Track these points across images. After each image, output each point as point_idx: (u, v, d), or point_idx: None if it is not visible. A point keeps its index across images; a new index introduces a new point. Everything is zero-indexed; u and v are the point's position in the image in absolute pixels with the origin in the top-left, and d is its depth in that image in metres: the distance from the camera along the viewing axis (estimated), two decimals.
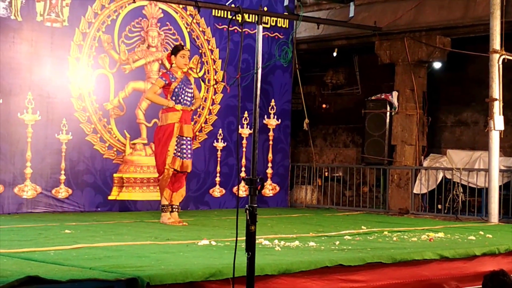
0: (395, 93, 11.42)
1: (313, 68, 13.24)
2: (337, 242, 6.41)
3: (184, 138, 7.91)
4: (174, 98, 7.88)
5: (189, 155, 7.97)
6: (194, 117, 10.32)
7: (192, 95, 8.09)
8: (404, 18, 11.20)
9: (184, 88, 7.95)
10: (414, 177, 11.03)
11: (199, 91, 10.34)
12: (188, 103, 8.00)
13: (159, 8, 9.94)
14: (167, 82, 7.89)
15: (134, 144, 9.74)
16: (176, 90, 7.88)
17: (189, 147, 7.97)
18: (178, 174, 7.97)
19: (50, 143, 9.04)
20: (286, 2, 4.47)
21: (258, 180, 4.12)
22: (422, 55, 11.15)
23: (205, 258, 5.15)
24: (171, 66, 8.08)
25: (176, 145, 7.84)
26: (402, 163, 11.29)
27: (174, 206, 7.95)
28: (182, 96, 7.91)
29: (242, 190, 10.04)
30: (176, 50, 8.00)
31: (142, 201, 9.79)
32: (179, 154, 7.86)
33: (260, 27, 4.30)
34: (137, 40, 9.81)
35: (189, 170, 8.05)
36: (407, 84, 11.33)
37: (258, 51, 4.27)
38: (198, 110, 10.33)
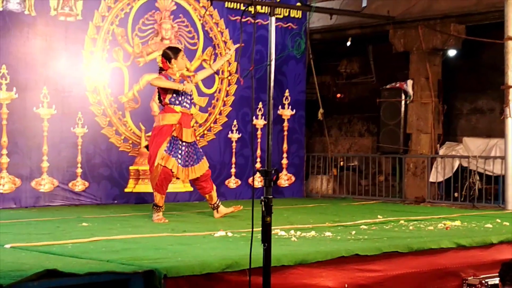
0: (410, 82, 11.37)
1: (327, 58, 13.20)
2: (353, 232, 6.42)
3: (182, 143, 7.49)
4: (173, 99, 7.46)
5: (192, 161, 7.58)
6: (209, 108, 10.35)
7: (191, 98, 7.68)
8: (418, 6, 11.13)
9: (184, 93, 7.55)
10: (430, 166, 10.99)
11: (213, 83, 10.37)
12: (188, 106, 7.56)
13: (172, 0, 9.95)
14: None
15: (149, 136, 9.75)
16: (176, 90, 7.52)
17: (191, 153, 7.56)
18: (195, 181, 7.75)
19: (66, 137, 9.09)
20: None
21: (273, 172, 4.12)
22: (436, 43, 11.09)
23: (222, 249, 5.17)
24: (166, 71, 7.56)
25: (169, 145, 7.43)
26: (418, 151, 11.25)
27: (216, 203, 7.77)
28: (182, 98, 7.48)
29: (258, 181, 10.06)
30: (175, 52, 7.58)
31: None
32: (173, 153, 7.42)
33: (273, 18, 4.30)
34: (151, 33, 9.82)
35: (196, 176, 7.62)
36: (422, 72, 11.28)
37: (271, 43, 4.27)
38: (213, 101, 10.35)
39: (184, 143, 7.51)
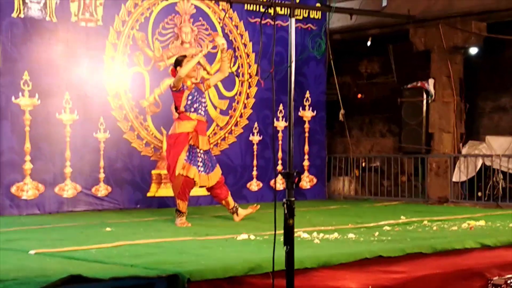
0: (431, 81, 11.30)
1: (347, 58, 13.16)
2: (376, 233, 6.39)
3: (199, 150, 7.51)
4: (188, 106, 7.46)
5: (208, 169, 7.58)
6: (229, 111, 10.36)
7: (206, 105, 7.70)
8: (439, 4, 11.07)
9: (198, 97, 7.55)
10: (453, 165, 10.91)
11: (234, 86, 10.37)
12: (203, 113, 7.57)
13: (192, 4, 9.98)
14: (180, 88, 7.50)
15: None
16: (190, 98, 7.49)
17: (206, 160, 7.57)
18: (210, 189, 7.78)
19: (88, 142, 9.15)
20: None
21: (294, 174, 4.11)
22: (457, 41, 11.02)
23: (245, 252, 5.17)
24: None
25: (188, 154, 7.44)
26: (440, 151, 11.18)
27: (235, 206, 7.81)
28: (197, 105, 7.51)
29: (279, 183, 10.04)
30: (179, 61, 7.56)
31: None
32: (193, 162, 7.45)
33: (293, 20, 4.29)
34: (171, 36, 9.85)
35: (212, 183, 7.65)
36: (443, 71, 11.20)
37: (291, 45, 4.26)
38: (233, 104, 10.36)
39: (201, 151, 7.54)
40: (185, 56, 7.76)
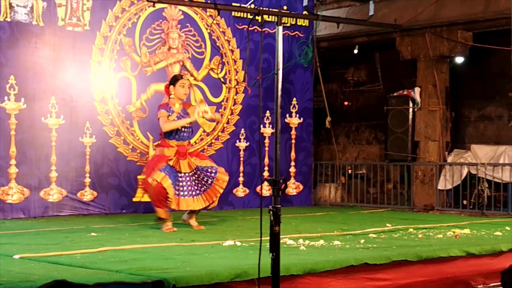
0: (417, 89, 11.36)
1: (334, 66, 13.22)
2: (362, 241, 6.41)
3: (182, 174, 7.43)
4: (168, 133, 7.45)
5: (191, 192, 7.46)
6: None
7: (190, 128, 7.61)
8: (425, 13, 11.13)
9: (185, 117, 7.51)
10: (439, 173, 10.96)
11: (221, 92, 10.37)
12: (185, 137, 7.56)
13: (179, 10, 9.97)
14: (168, 113, 7.48)
15: (156, 145, 9.76)
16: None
17: (188, 183, 7.45)
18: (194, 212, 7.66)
19: (74, 147, 9.11)
20: (305, 2, 4.45)
21: (281, 181, 4.11)
22: (443, 50, 11.09)
23: (231, 259, 5.16)
24: (169, 98, 7.59)
25: (165, 168, 7.32)
26: (426, 159, 11.23)
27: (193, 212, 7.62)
28: (179, 130, 7.48)
29: (266, 189, 10.05)
30: (174, 80, 7.54)
31: None
32: (169, 175, 7.29)
33: (280, 28, 4.30)
34: (158, 42, 9.84)
35: (197, 208, 7.53)
36: (429, 79, 11.27)
37: (278, 52, 4.27)
38: (220, 110, 10.35)
39: (185, 174, 7.46)
40: (182, 77, 7.65)
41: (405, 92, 11.50)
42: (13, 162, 8.62)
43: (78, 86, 9.17)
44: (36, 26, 8.82)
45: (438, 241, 6.60)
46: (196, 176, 7.53)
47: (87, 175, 9.20)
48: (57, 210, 8.94)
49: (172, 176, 7.34)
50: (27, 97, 8.73)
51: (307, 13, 4.59)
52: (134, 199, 9.58)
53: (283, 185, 4.16)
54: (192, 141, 9.99)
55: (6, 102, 8.58)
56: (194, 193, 7.49)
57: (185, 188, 7.44)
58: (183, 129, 7.50)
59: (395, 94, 11.67)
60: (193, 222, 7.65)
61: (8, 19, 8.61)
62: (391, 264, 5.33)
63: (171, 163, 7.41)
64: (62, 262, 4.89)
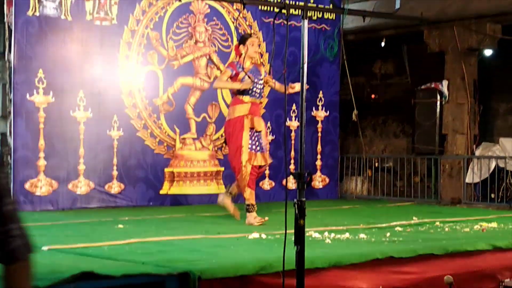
0: (445, 82, 11.27)
1: (361, 59, 13.15)
2: (388, 234, 6.39)
3: (255, 131, 7.37)
4: (241, 90, 7.39)
5: (262, 148, 7.43)
6: None
7: (262, 86, 7.55)
8: (453, 6, 11.04)
9: (254, 80, 7.42)
10: (466, 167, 10.88)
11: None
12: (257, 95, 7.47)
13: (206, 3, 10.00)
14: (234, 73, 7.40)
15: (183, 139, 9.83)
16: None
17: (261, 140, 7.41)
18: (260, 170, 7.57)
19: (102, 140, 9.19)
20: None
21: (306, 174, 4.12)
22: (472, 43, 10.99)
23: (256, 251, 5.19)
24: (239, 57, 7.50)
25: (251, 141, 7.31)
26: (454, 152, 11.15)
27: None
28: (252, 87, 7.41)
29: (291, 182, 10.05)
30: (244, 39, 7.50)
31: (193, 195, 9.88)
32: (257, 148, 7.34)
33: (305, 21, 4.29)
34: (185, 36, 9.89)
35: (266, 163, 7.50)
36: (457, 72, 11.18)
37: (303, 46, 4.27)
38: None
39: (257, 131, 7.40)
40: (251, 35, 7.51)
41: (432, 85, 11.42)
42: (41, 154, 8.72)
43: (106, 80, 9.25)
44: (64, 21, 8.90)
45: (464, 234, 6.57)
46: (261, 136, 7.47)
47: (115, 167, 9.28)
48: (85, 202, 9.03)
49: (255, 143, 7.33)
50: (56, 91, 8.82)
51: (332, 7, 4.57)
52: (161, 192, 9.64)
53: (308, 178, 4.16)
54: (218, 134, 10.08)
55: (35, 95, 8.68)
56: (263, 150, 7.44)
57: (257, 143, 7.38)
58: (254, 88, 7.42)
59: (422, 87, 11.59)
60: (232, 205, 7.56)
61: (37, 14, 8.70)
62: (417, 258, 5.31)
63: (246, 121, 7.30)
64: (89, 253, 4.96)
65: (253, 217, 7.31)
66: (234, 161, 7.42)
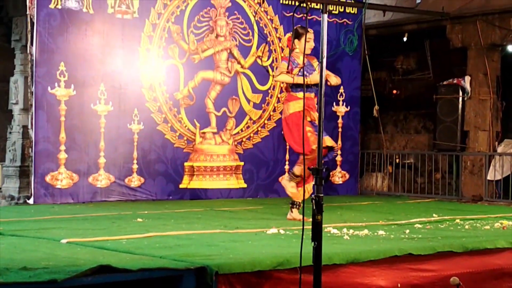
0: (467, 78, 11.18)
1: (383, 54, 13.06)
2: (407, 231, 6.35)
3: (315, 124, 7.08)
4: (295, 86, 7.23)
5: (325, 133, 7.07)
6: (263, 105, 10.36)
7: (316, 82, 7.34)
8: (477, 0, 10.93)
9: (306, 74, 7.25)
10: (488, 163, 10.79)
11: (267, 80, 10.35)
12: (312, 89, 7.29)
13: None
14: (289, 68, 7.23)
15: (203, 133, 9.84)
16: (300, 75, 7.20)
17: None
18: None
19: (122, 133, 9.22)
20: None
21: (324, 170, 4.09)
22: (495, 39, 10.88)
23: (273, 247, 5.17)
24: (292, 51, 7.32)
25: (312, 127, 7.10)
26: (476, 149, 11.06)
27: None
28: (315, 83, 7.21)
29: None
30: (300, 34, 7.28)
31: (212, 189, 9.89)
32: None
33: (325, 16, 4.27)
34: (206, 29, 9.88)
35: (333, 145, 7.27)
36: (480, 68, 11.08)
37: (323, 40, 4.24)
38: (267, 98, 10.36)
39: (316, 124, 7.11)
40: (307, 31, 7.32)
41: (455, 81, 11.33)
42: (62, 147, 8.76)
43: (127, 73, 9.27)
44: (86, 14, 8.93)
45: (485, 232, 6.51)
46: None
47: (135, 161, 9.31)
48: (105, 195, 9.07)
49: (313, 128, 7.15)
50: (77, 84, 8.86)
51: (352, 1, 4.54)
52: (180, 186, 9.66)
53: (327, 174, 4.14)
54: (238, 129, 10.07)
55: (56, 88, 8.72)
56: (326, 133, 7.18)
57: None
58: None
59: (444, 82, 11.51)
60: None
61: (59, 7, 8.74)
62: (436, 255, 5.28)
63: (308, 118, 7.14)
64: (108, 247, 4.97)
65: (294, 213, 7.20)
66: (301, 148, 7.05)
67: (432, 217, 7.64)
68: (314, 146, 6.94)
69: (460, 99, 11.22)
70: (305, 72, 7.22)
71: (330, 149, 7.29)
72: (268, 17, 10.40)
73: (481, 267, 5.48)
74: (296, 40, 7.34)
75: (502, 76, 11.22)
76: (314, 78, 7.24)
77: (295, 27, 7.51)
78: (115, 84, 9.17)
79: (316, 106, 7.44)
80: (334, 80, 7.46)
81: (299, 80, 7.20)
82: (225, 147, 10.03)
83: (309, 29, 7.18)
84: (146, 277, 4.07)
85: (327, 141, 7.22)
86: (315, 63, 7.44)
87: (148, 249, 4.92)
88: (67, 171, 8.81)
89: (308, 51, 7.33)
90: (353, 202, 9.77)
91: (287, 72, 7.21)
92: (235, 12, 10.10)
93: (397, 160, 12.16)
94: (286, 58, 7.36)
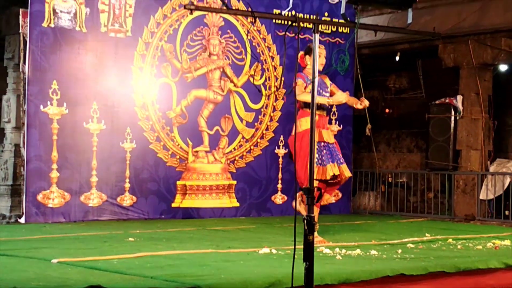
0: (459, 97, 11.22)
1: (375, 73, 13.12)
2: (400, 251, 6.34)
3: (324, 144, 7.16)
4: (307, 103, 7.03)
5: (340, 160, 7.21)
6: (255, 123, 10.36)
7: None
8: (468, 20, 11.00)
9: (320, 91, 7.20)
10: (480, 183, 10.80)
11: (260, 98, 10.36)
12: (325, 107, 7.30)
13: (220, 16, 10.02)
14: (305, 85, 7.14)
15: (196, 151, 9.83)
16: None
17: (336, 152, 7.20)
18: (331, 183, 7.30)
19: (114, 152, 9.20)
20: (342, 10, 4.42)
21: (315, 190, 4.09)
22: (487, 58, 10.94)
23: (265, 267, 5.15)
24: (304, 68, 7.28)
25: (319, 155, 7.06)
26: (468, 168, 11.08)
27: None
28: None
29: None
30: (310, 50, 7.14)
31: (205, 208, 9.87)
32: (327, 161, 7.08)
33: (317, 35, 4.28)
34: (199, 48, 9.90)
35: (346, 175, 7.25)
36: (472, 87, 11.12)
37: (315, 60, 4.26)
38: (260, 117, 10.37)
39: (325, 143, 7.18)
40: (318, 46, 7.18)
41: (447, 100, 11.37)
42: (54, 166, 8.74)
43: (120, 92, 9.27)
44: (79, 32, 8.94)
45: (477, 252, 6.50)
46: (334, 149, 7.26)
47: (127, 180, 9.28)
48: (97, 214, 9.04)
49: (324, 156, 7.10)
50: (69, 102, 8.85)
51: (344, 21, 4.56)
52: (173, 205, 9.63)
53: (318, 194, 4.14)
54: (231, 147, 10.07)
55: (48, 107, 8.71)
56: (338, 161, 7.19)
57: (327, 155, 7.13)
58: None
59: (437, 102, 11.55)
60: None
61: (52, 25, 8.74)
62: (428, 276, 5.26)
63: (316, 138, 6.97)
64: (98, 267, 4.94)
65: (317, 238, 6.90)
66: (302, 173, 6.97)
67: (425, 237, 7.63)
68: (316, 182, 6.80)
69: (452, 118, 11.26)
70: (319, 90, 7.17)
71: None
72: (261, 36, 10.43)
73: (473, 287, 5.46)
74: (307, 56, 7.26)
75: (494, 96, 11.27)
76: (337, 99, 7.25)
77: (308, 44, 7.45)
78: (107, 102, 9.17)
79: (327, 125, 7.47)
80: (363, 105, 7.39)
81: (321, 100, 7.14)
82: (218, 166, 10.02)
83: (320, 45, 7.05)
84: None
85: (345, 171, 7.21)
86: (328, 81, 7.45)
87: (139, 269, 4.89)
88: (59, 190, 8.77)
89: (319, 67, 7.21)
90: (346, 221, 9.75)
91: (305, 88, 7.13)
92: (228, 31, 10.13)
93: (389, 179, 12.18)
94: (302, 76, 7.24)
